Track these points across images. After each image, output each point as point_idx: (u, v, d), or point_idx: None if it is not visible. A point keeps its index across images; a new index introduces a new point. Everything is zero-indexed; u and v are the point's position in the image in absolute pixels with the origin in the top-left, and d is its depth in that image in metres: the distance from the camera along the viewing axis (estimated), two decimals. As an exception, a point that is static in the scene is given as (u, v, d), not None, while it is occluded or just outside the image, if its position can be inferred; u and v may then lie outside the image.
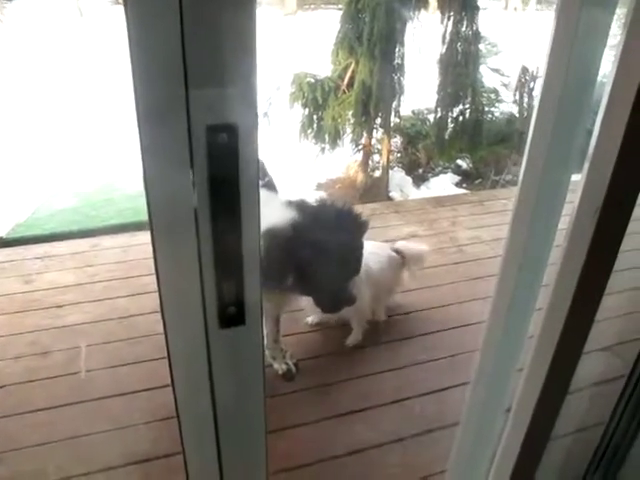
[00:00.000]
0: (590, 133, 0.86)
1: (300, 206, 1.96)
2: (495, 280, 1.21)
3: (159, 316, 0.65)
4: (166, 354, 0.67)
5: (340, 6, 5.32)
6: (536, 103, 0.95)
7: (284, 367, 2.41)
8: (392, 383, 2.43)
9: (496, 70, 5.98)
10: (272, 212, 1.88)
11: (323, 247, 1.82)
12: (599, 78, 0.88)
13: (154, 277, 0.62)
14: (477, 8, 4.83)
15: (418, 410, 2.28)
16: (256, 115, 0.58)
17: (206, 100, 0.55)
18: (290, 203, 1.98)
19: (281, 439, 2.08)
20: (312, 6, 11.86)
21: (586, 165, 0.84)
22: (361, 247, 2.05)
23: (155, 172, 0.57)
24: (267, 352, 2.38)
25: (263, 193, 0.62)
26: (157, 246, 0.60)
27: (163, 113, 0.55)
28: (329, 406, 2.30)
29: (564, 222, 1.01)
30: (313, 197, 2.10)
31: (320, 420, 2.23)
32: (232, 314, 0.66)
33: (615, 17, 0.81)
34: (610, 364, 1.87)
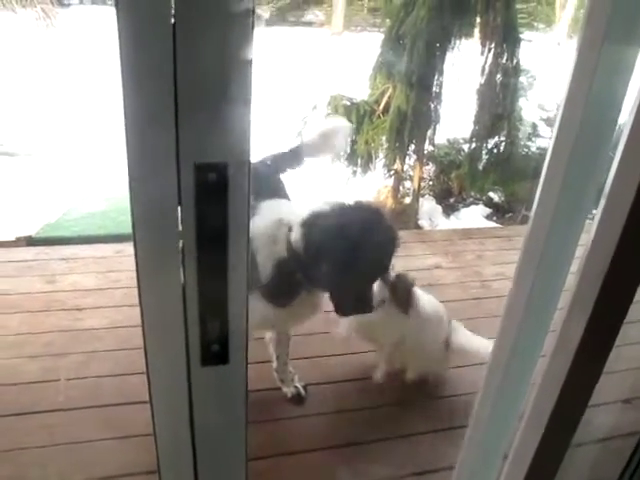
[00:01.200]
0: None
1: (336, 204, 1.95)
2: (499, 321, 1.17)
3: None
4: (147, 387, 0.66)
5: (384, 29, 5.36)
6: (551, 142, 0.92)
7: (293, 390, 2.39)
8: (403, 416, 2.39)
9: (537, 104, 5.92)
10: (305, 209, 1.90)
11: (351, 244, 1.80)
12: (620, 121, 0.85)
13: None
14: (519, 40, 4.80)
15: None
16: (248, 154, 0.57)
17: (195, 138, 0.55)
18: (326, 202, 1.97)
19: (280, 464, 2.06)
20: (359, 28, 12.00)
21: (595, 224, 0.81)
22: (390, 252, 2.00)
23: (143, 208, 0.57)
24: (275, 375, 2.37)
25: None
26: (142, 280, 0.60)
27: (152, 150, 0.55)
28: (334, 435, 2.26)
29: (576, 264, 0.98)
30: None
31: (322, 449, 2.19)
32: (215, 352, 0.65)
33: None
34: (628, 418, 1.81)
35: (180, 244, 0.59)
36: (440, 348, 2.52)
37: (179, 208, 0.57)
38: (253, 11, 0.49)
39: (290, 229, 1.87)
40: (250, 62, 0.52)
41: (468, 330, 2.69)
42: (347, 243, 1.79)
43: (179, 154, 0.55)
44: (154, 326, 0.64)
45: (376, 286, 2.22)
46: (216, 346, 0.64)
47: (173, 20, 0.48)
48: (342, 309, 2.00)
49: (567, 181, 0.89)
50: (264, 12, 12.09)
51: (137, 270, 0.59)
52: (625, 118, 0.78)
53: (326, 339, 2.73)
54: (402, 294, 2.35)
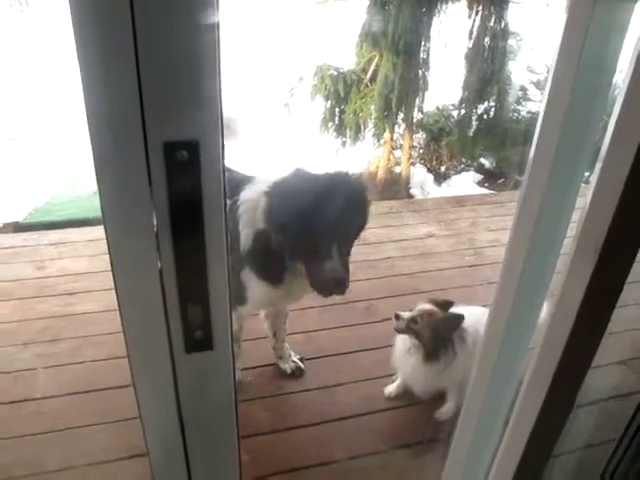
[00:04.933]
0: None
1: (302, 171, 1.88)
2: (495, 287, 1.15)
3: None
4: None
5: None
6: (543, 104, 0.89)
7: (292, 365, 2.41)
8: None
9: (526, 67, 5.83)
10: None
11: (314, 211, 1.74)
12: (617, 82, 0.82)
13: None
14: (507, 2, 4.71)
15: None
16: (221, 130, 0.54)
17: (163, 114, 0.51)
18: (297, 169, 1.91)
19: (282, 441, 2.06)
20: (338, -5, 11.74)
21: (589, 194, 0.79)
22: (357, 221, 1.90)
23: (111, 192, 0.53)
24: (273, 352, 2.38)
25: None
26: (116, 267, 0.57)
27: (117, 128, 0.51)
28: (335, 407, 2.27)
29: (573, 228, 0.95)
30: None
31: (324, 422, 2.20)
32: (199, 339, 0.62)
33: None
34: (625, 378, 1.82)
35: (154, 227, 0.56)
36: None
37: (150, 189, 0.54)
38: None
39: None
40: (217, 32, 0.48)
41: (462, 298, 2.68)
42: (309, 210, 1.73)
43: (146, 133, 0.51)
44: (132, 315, 0.61)
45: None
46: (199, 332, 0.62)
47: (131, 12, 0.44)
48: (316, 285, 1.87)
49: (561, 144, 0.86)
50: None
51: (110, 257, 0.56)
52: (621, 77, 0.74)
53: (318, 313, 2.74)
54: (427, 331, 2.09)
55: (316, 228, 1.75)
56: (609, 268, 0.86)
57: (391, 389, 2.34)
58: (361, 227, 1.91)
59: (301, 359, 2.44)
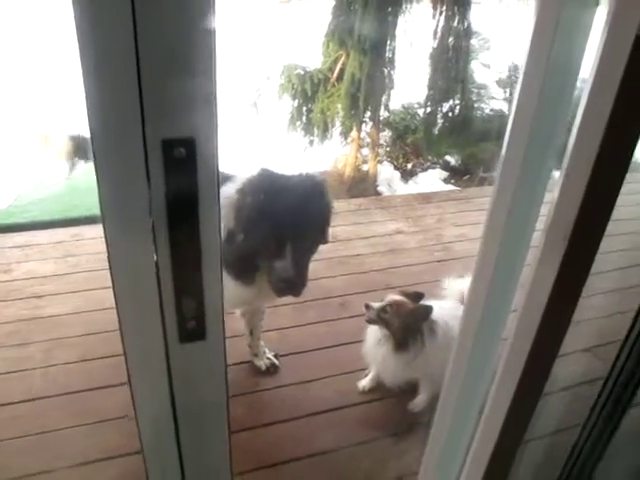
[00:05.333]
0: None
1: (263, 171, 1.90)
2: (470, 281, 1.20)
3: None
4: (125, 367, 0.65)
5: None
6: (514, 102, 0.93)
7: (267, 362, 2.43)
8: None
9: (488, 66, 5.96)
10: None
11: (274, 211, 1.76)
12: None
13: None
14: (469, 3, 4.81)
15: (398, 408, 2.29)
16: (216, 128, 0.56)
17: (161, 113, 0.53)
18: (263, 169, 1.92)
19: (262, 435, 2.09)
20: (304, -5, 11.75)
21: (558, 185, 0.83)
22: (319, 221, 1.91)
23: (110, 187, 0.55)
24: (249, 349, 2.40)
25: None
26: (113, 259, 0.58)
27: (117, 126, 0.53)
28: (310, 402, 2.30)
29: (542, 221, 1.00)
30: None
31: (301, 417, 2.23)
32: (192, 329, 0.64)
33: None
34: (590, 365, 1.88)
35: (150, 222, 0.58)
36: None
37: (148, 185, 0.56)
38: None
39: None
40: (213, 33, 0.51)
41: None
42: (267, 210, 1.75)
43: (145, 130, 0.53)
44: (128, 305, 0.63)
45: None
46: (193, 322, 0.64)
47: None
48: (271, 285, 1.88)
49: (531, 141, 0.90)
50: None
51: (108, 250, 0.58)
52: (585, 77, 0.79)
53: (292, 310, 2.77)
54: (398, 326, 2.15)
55: (272, 228, 1.77)
56: (576, 258, 0.90)
57: (364, 383, 2.38)
58: (319, 229, 1.92)
59: (276, 356, 2.47)
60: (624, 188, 0.85)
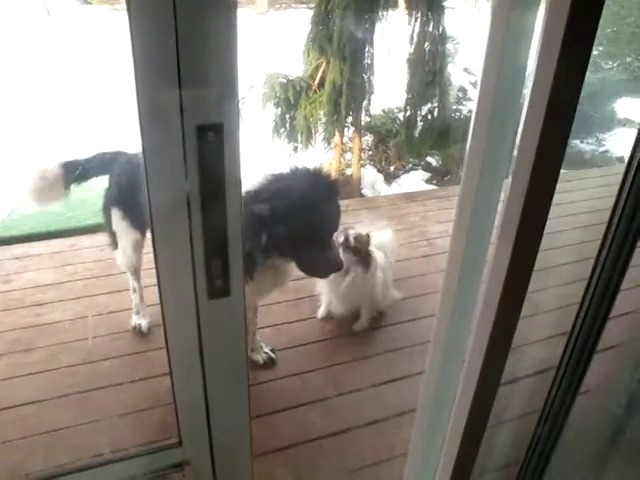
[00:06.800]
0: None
1: (268, 176, 2.05)
2: (443, 276, 1.31)
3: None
4: (162, 326, 0.77)
5: (311, 5, 5.42)
6: (474, 106, 1.05)
7: (264, 356, 2.54)
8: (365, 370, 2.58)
9: (464, 69, 6.13)
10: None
11: (295, 208, 1.91)
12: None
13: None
14: (443, 8, 4.97)
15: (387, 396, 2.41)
16: (239, 115, 0.69)
17: (196, 102, 0.66)
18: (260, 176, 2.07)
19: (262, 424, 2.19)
20: (283, 5, 11.91)
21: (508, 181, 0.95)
22: (335, 205, 2.12)
23: (153, 166, 0.67)
24: (245, 344, 2.50)
25: None
26: (155, 229, 0.70)
27: (160, 116, 0.65)
28: (307, 393, 2.42)
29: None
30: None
31: (298, 406, 2.35)
32: (219, 286, 0.76)
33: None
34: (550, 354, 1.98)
35: (186, 195, 0.70)
36: (388, 286, 2.92)
37: (185, 165, 0.68)
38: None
39: None
40: (236, 42, 0.63)
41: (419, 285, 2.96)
42: (288, 208, 1.90)
43: (183, 118, 0.66)
44: (166, 268, 0.75)
45: (341, 254, 2.43)
46: (219, 281, 0.76)
47: (173, 12, 0.59)
48: (315, 273, 2.20)
49: (489, 142, 1.00)
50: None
51: (151, 220, 0.70)
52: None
53: (288, 307, 2.89)
54: (364, 253, 2.61)
55: (314, 224, 1.94)
56: (523, 254, 1.02)
57: (321, 312, 2.88)
58: (337, 218, 2.12)
59: (272, 350, 2.58)
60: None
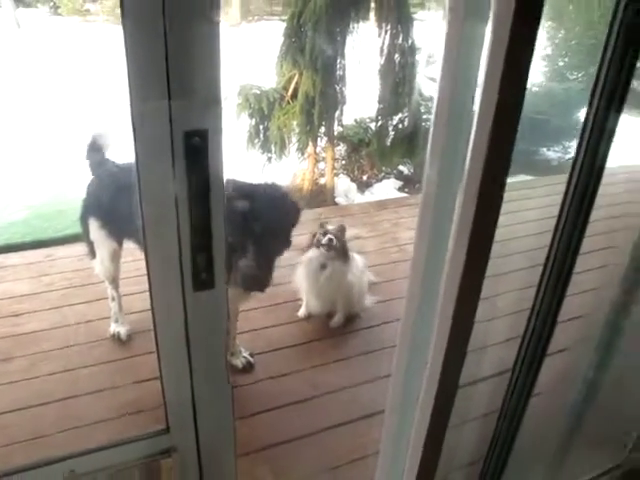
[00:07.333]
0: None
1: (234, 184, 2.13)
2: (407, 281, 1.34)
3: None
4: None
5: (283, 17, 5.53)
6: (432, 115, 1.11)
7: (243, 361, 2.60)
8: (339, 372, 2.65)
9: (433, 79, 6.28)
10: None
11: (251, 223, 2.00)
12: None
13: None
14: (412, 21, 5.12)
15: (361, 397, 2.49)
16: (221, 121, 0.76)
17: (183, 110, 0.73)
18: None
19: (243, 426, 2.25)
20: (256, 17, 12.02)
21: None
22: (288, 229, 2.25)
23: (145, 169, 0.74)
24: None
25: None
26: (146, 227, 0.77)
27: (152, 125, 0.73)
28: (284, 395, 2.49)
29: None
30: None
31: (276, 408, 2.41)
32: (204, 279, 0.83)
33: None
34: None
35: (174, 195, 0.77)
36: (364, 289, 3.03)
37: (173, 168, 0.75)
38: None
39: None
40: (219, 52, 0.71)
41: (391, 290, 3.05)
42: (243, 214, 1.99)
43: (172, 125, 0.73)
44: (156, 262, 0.82)
45: (320, 250, 2.69)
46: (204, 274, 0.83)
47: (163, 27, 0.66)
48: (241, 279, 2.17)
49: (447, 148, 1.07)
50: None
51: (143, 219, 0.77)
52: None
53: (265, 312, 2.96)
54: (341, 244, 2.77)
55: (242, 230, 2.00)
56: (477, 260, 1.10)
57: (302, 312, 3.00)
58: (284, 234, 2.18)
59: (251, 354, 2.64)
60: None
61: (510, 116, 0.89)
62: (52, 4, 11.39)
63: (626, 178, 2.70)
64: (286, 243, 2.23)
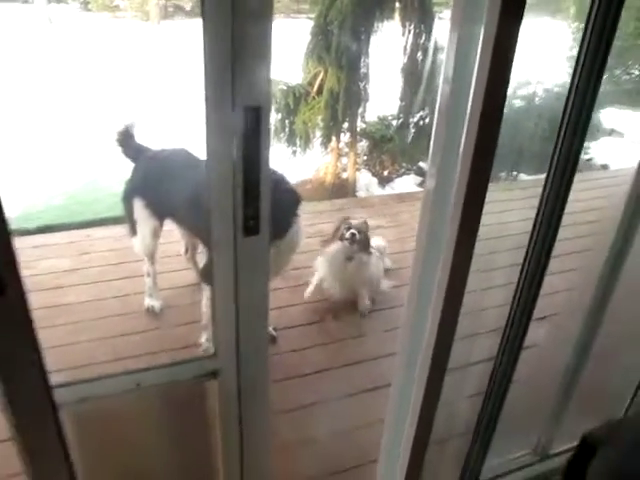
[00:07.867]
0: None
1: None
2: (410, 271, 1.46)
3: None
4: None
5: (310, 15, 5.72)
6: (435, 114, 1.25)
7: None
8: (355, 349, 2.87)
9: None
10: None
11: None
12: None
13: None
14: (433, 20, 5.28)
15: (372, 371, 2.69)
16: (270, 100, 0.96)
17: (243, 89, 0.93)
18: None
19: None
20: (282, 15, 12.22)
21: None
22: (286, 219, 2.40)
23: (212, 138, 0.94)
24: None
25: None
26: (210, 184, 0.97)
27: (219, 99, 0.93)
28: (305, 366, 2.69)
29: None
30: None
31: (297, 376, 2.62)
32: (252, 226, 1.03)
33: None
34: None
35: (232, 161, 0.97)
36: (380, 274, 3.26)
37: (234, 136, 0.95)
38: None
39: None
40: (271, 42, 0.91)
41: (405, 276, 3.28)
42: None
43: (234, 101, 0.93)
44: (214, 211, 1.02)
45: (344, 243, 2.92)
46: (252, 221, 1.03)
47: (231, 22, 0.87)
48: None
49: (446, 144, 1.22)
50: (185, 3, 12.22)
51: (207, 178, 0.97)
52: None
53: (287, 293, 3.17)
54: (364, 238, 2.99)
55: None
56: (462, 254, 1.24)
57: (309, 292, 3.21)
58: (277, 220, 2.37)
59: (274, 329, 2.84)
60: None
61: (495, 109, 1.06)
62: (82, 0, 11.74)
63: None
64: (278, 234, 2.36)
